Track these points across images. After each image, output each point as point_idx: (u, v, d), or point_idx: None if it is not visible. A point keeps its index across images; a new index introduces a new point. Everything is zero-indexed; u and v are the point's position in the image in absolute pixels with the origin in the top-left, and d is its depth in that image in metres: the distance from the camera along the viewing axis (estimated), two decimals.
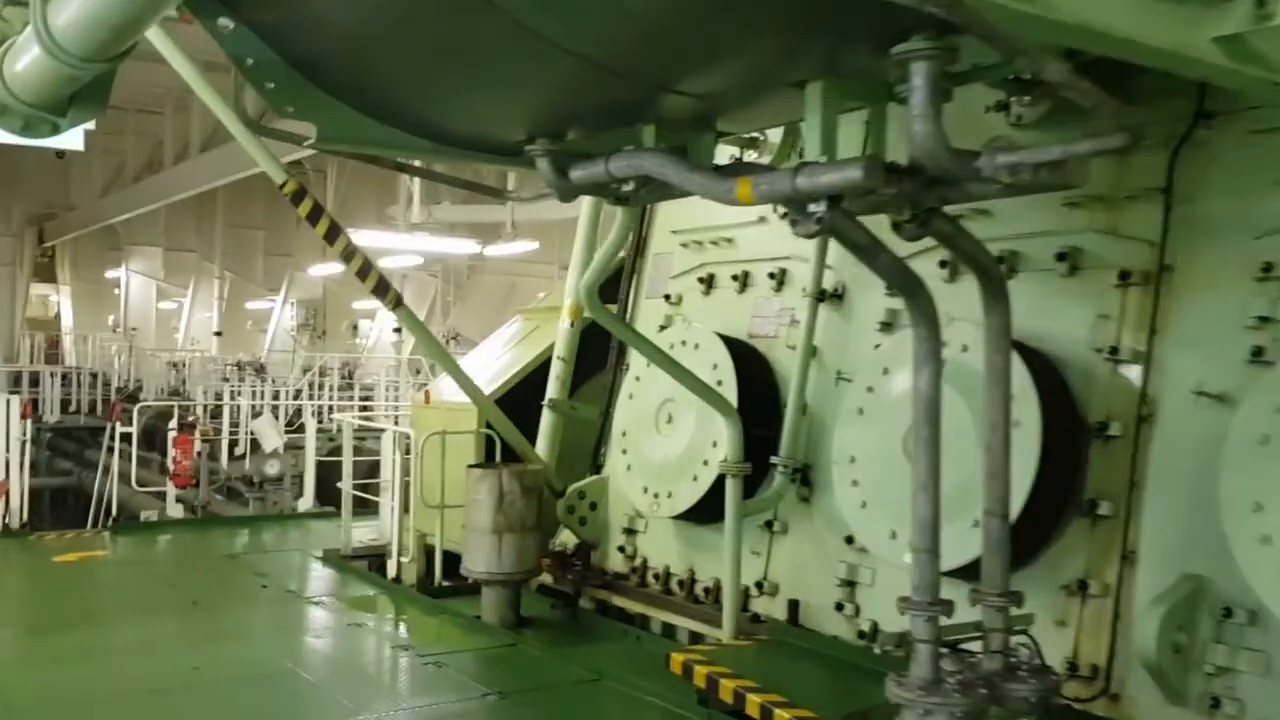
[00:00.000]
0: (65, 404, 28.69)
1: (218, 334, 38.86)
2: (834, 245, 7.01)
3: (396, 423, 11.13)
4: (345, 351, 33.89)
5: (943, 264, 6.05)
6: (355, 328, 36.22)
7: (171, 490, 12.38)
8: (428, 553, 9.33)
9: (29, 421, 11.56)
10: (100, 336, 38.25)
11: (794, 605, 6.79)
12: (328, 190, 29.90)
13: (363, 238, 15.51)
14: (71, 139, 11.69)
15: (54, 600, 8.85)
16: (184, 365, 34.66)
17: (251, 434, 14.38)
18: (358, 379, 27.55)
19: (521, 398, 9.43)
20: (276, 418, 14.29)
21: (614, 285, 9.35)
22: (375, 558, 10.50)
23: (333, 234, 7.50)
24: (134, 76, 27.98)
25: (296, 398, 21.12)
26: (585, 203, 9.42)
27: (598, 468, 8.74)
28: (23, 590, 9.62)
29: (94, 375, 30.84)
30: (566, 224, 25.90)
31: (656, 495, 7.47)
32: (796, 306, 7.25)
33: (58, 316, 44.95)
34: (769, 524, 7.07)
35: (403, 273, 32.65)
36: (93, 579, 9.65)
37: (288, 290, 37.78)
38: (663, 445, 7.51)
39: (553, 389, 9.09)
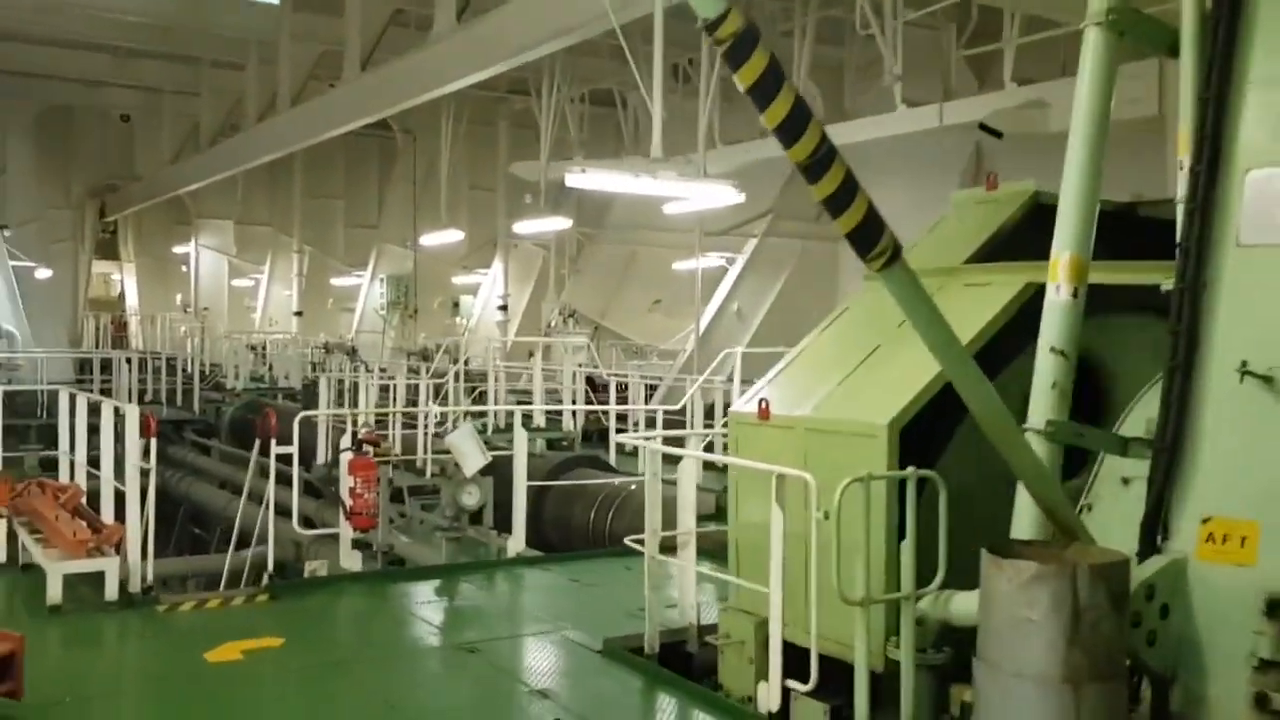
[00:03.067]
0: (141, 394, 25.32)
1: (298, 314, 35.45)
2: None
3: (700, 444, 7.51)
4: (441, 332, 30.45)
5: None
6: (456, 305, 32.62)
7: (346, 533, 8.86)
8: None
9: (153, 440, 8.07)
10: (169, 317, 35.00)
11: None
12: (442, 151, 26.29)
13: (592, 179, 11.82)
14: None
15: None
16: (263, 348, 31.47)
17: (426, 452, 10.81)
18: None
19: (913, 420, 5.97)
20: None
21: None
22: (675, 647, 7.03)
23: (792, 126, 3.92)
24: (212, 20, 24.71)
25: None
26: (1082, 95, 5.75)
27: (1151, 542, 5.14)
28: None
29: (170, 361, 27.47)
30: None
31: None
32: None
33: (121, 296, 41.90)
34: None
35: (513, 242, 29.22)
36: (283, 706, 6.11)
37: (376, 264, 34.17)
38: None
39: (1047, 403, 5.43)
